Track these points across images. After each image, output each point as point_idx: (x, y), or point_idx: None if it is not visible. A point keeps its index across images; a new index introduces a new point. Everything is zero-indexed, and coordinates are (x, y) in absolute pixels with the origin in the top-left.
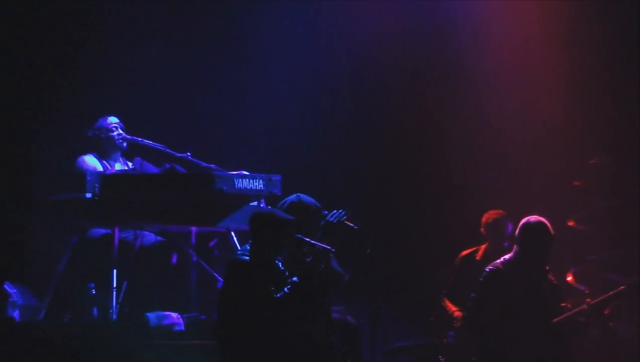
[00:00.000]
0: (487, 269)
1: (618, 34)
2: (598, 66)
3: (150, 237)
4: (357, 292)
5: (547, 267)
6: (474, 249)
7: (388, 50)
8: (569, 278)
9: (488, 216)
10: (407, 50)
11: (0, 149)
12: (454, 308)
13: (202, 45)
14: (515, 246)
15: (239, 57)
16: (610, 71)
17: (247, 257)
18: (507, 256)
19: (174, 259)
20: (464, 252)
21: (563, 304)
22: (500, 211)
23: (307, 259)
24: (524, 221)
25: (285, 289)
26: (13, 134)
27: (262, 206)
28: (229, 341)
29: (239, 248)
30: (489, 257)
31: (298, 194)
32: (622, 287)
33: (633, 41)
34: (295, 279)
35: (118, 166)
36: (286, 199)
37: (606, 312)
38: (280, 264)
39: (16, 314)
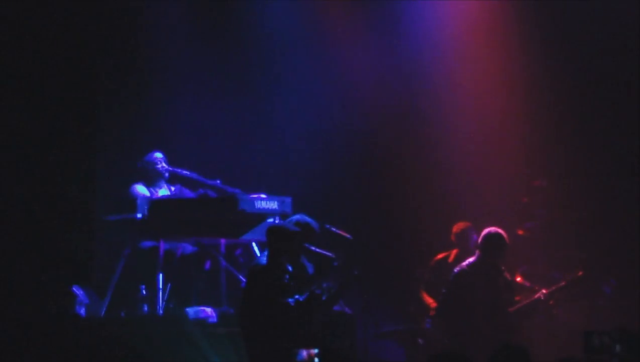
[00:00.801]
0: (455, 270)
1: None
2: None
3: (188, 248)
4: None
5: (503, 268)
6: (447, 253)
7: (373, 90)
8: (518, 278)
9: (457, 227)
10: (387, 83)
11: (70, 180)
12: (430, 300)
13: (227, 92)
14: (477, 251)
15: (256, 102)
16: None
17: (263, 262)
18: (471, 259)
19: (207, 265)
20: (439, 256)
21: (517, 298)
22: (467, 223)
23: (318, 292)
24: (485, 231)
25: (297, 297)
26: (79, 167)
27: (277, 222)
28: (250, 328)
29: (258, 255)
30: (459, 260)
31: (301, 213)
32: (563, 283)
33: (573, 78)
34: (301, 297)
35: (162, 192)
36: (292, 217)
37: (551, 302)
38: (288, 273)
39: (82, 311)
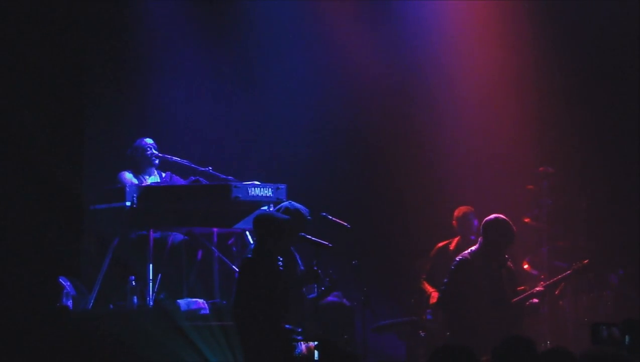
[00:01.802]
0: (457, 259)
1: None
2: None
3: (179, 237)
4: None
5: (506, 256)
6: (448, 241)
7: (375, 73)
8: (525, 265)
9: (459, 211)
10: (384, 71)
11: (56, 168)
12: (431, 289)
13: (220, 79)
14: (480, 239)
15: (249, 91)
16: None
17: (251, 255)
18: (473, 248)
19: (199, 255)
20: (440, 244)
21: (520, 288)
22: (469, 207)
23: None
24: (489, 218)
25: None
26: (66, 154)
27: (271, 210)
28: (244, 321)
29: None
30: (460, 248)
31: (290, 201)
32: (569, 271)
33: (579, 67)
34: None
35: (151, 179)
36: (281, 205)
37: (557, 292)
38: (280, 263)
39: (69, 303)
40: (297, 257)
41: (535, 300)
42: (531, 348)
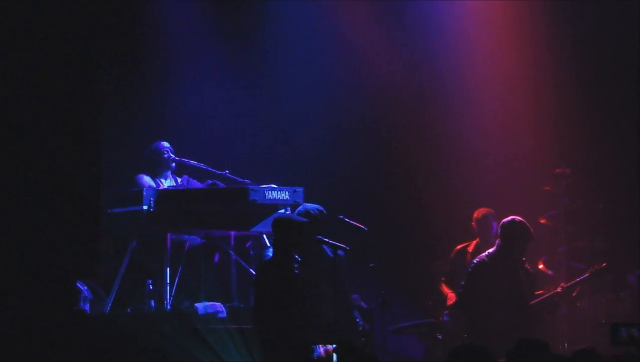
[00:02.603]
0: (474, 261)
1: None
2: (564, 91)
3: (196, 240)
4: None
5: (524, 259)
6: (467, 243)
7: (393, 74)
8: (541, 266)
9: (478, 213)
10: (401, 72)
11: (74, 172)
12: (448, 291)
13: (236, 82)
14: (497, 241)
15: (264, 92)
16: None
17: (268, 258)
18: (491, 250)
19: (216, 258)
20: (458, 246)
21: (538, 292)
22: (489, 209)
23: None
24: (507, 219)
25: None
26: (84, 158)
27: (282, 213)
28: (263, 325)
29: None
30: (479, 250)
31: (304, 204)
32: (586, 274)
33: (599, 65)
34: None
35: (168, 182)
36: (296, 210)
37: (574, 294)
38: (297, 263)
39: (87, 307)
40: (328, 251)
41: (555, 299)
42: (545, 351)
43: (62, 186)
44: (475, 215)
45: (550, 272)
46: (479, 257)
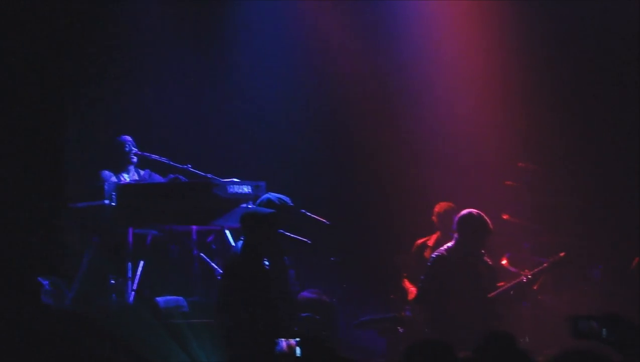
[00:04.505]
0: (433, 255)
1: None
2: (526, 83)
3: (158, 234)
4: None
5: (483, 252)
6: (427, 238)
7: (352, 63)
8: (504, 262)
9: (439, 206)
10: (367, 61)
11: (38, 166)
12: (410, 286)
13: (198, 76)
14: (456, 235)
15: (226, 87)
16: (539, 86)
17: (239, 251)
18: (450, 243)
19: (178, 253)
20: (419, 241)
21: (499, 284)
22: (450, 203)
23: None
24: (464, 213)
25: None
26: (47, 152)
27: (250, 207)
28: (227, 320)
29: (233, 244)
30: (440, 244)
31: (269, 193)
32: (545, 264)
33: (562, 59)
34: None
35: (130, 176)
36: (259, 199)
37: (535, 287)
38: (267, 260)
39: (49, 301)
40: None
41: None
42: (512, 344)
43: (25, 181)
44: (436, 209)
45: (513, 269)
46: (438, 251)
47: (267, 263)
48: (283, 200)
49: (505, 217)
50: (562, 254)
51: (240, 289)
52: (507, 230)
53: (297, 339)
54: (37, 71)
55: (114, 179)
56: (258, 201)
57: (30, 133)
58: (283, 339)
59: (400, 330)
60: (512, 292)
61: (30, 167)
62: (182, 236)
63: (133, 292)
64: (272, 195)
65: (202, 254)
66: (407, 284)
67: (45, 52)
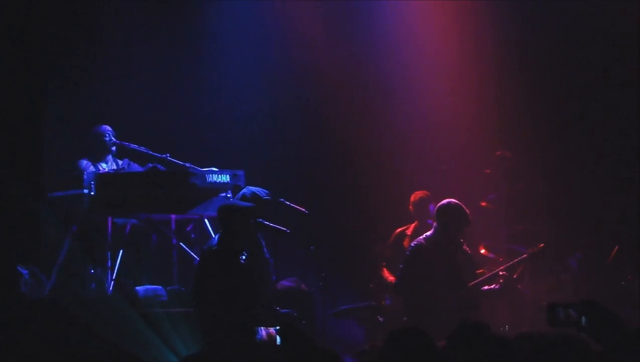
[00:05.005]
0: (412, 244)
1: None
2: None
3: (137, 223)
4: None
5: (462, 240)
6: (405, 227)
7: (329, 54)
8: (482, 250)
9: (415, 195)
10: (341, 55)
11: (16, 156)
12: (390, 276)
13: (176, 65)
14: (435, 224)
15: (206, 78)
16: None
17: (215, 244)
18: (428, 233)
19: (154, 241)
20: (397, 230)
21: (479, 271)
22: (425, 191)
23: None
24: (442, 203)
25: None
26: (25, 141)
27: (229, 196)
28: (205, 310)
29: (212, 233)
30: (417, 233)
31: (248, 186)
32: (524, 255)
33: (536, 48)
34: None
35: (109, 166)
36: (240, 192)
37: (514, 276)
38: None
39: (27, 290)
40: (263, 243)
41: (495, 286)
42: (486, 332)
43: (2, 170)
44: (412, 198)
45: (491, 255)
46: (416, 240)
47: (244, 256)
48: (265, 193)
49: (483, 204)
50: (540, 246)
51: (214, 279)
52: (484, 218)
53: (277, 327)
54: (14, 60)
55: (92, 168)
56: (239, 194)
57: (7, 122)
58: (263, 328)
59: (380, 319)
60: (493, 284)
61: (8, 157)
62: (161, 225)
63: (112, 282)
64: (255, 188)
65: (181, 243)
66: (386, 273)
67: (23, 41)
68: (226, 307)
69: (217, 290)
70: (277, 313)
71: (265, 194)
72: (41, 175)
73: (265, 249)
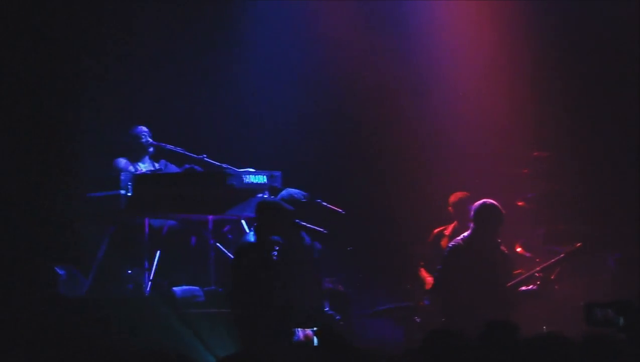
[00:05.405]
0: (450, 245)
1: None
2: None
3: (174, 224)
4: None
5: (499, 241)
6: (444, 227)
7: (363, 57)
8: (518, 249)
9: (454, 196)
10: (378, 56)
11: (54, 156)
12: (428, 276)
13: (213, 66)
14: (472, 224)
15: (240, 78)
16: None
17: (251, 240)
18: (466, 233)
19: (194, 242)
20: (436, 230)
21: (517, 272)
22: (465, 192)
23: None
24: (478, 203)
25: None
26: (63, 143)
27: (266, 197)
28: (240, 308)
29: (247, 232)
30: (457, 233)
31: (287, 189)
32: (562, 255)
33: (575, 48)
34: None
35: (145, 167)
36: (280, 195)
37: (552, 277)
38: (277, 250)
39: (65, 290)
40: (306, 238)
41: (533, 286)
42: (514, 333)
43: (40, 171)
44: (451, 199)
45: (528, 254)
46: (454, 240)
47: (275, 252)
48: (305, 195)
49: (520, 204)
50: (578, 245)
51: (249, 279)
52: (521, 217)
53: (314, 328)
54: (53, 61)
55: (131, 168)
56: (278, 197)
57: (45, 123)
58: (300, 329)
59: (417, 319)
60: (530, 285)
61: (46, 158)
62: (198, 226)
63: (149, 282)
64: (294, 191)
65: (218, 244)
66: (423, 273)
67: (60, 42)
68: (261, 306)
69: (251, 287)
70: (320, 312)
71: (303, 196)
72: (78, 176)
73: (311, 248)
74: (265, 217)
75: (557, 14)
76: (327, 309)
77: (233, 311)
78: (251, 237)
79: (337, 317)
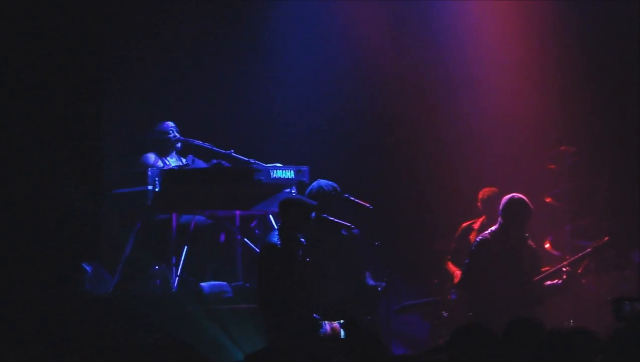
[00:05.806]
0: (478, 239)
1: (591, 37)
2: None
3: (202, 220)
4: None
5: (527, 235)
6: (472, 221)
7: (391, 53)
8: (547, 245)
9: (483, 193)
10: (405, 52)
11: (80, 151)
12: (455, 269)
13: (240, 61)
14: (499, 219)
15: (269, 72)
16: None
17: (274, 238)
18: (493, 228)
19: (222, 238)
20: (464, 224)
21: (544, 269)
22: (494, 188)
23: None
24: (506, 197)
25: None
26: (89, 138)
27: (293, 192)
28: (268, 305)
29: (275, 228)
30: (486, 228)
31: (318, 181)
32: (589, 249)
33: (602, 45)
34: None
35: (173, 162)
36: (310, 186)
37: (579, 271)
38: (302, 248)
39: (91, 287)
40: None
41: (559, 281)
42: (540, 329)
43: (68, 168)
44: (480, 195)
45: (556, 252)
46: (482, 235)
47: (300, 251)
48: (334, 186)
49: (547, 200)
50: (605, 239)
51: (274, 275)
52: (549, 213)
53: (341, 321)
54: (80, 58)
55: (159, 163)
56: (309, 188)
57: (71, 119)
58: (327, 322)
59: (445, 314)
60: (556, 279)
61: (73, 154)
62: (225, 222)
63: (177, 278)
64: (324, 182)
65: (245, 240)
66: (451, 267)
67: (86, 37)
68: (287, 297)
69: (276, 285)
70: (341, 310)
71: (331, 188)
72: (104, 172)
73: (348, 238)
74: (288, 214)
75: (586, 12)
76: (370, 281)
77: (260, 306)
78: (274, 237)
79: (379, 288)
